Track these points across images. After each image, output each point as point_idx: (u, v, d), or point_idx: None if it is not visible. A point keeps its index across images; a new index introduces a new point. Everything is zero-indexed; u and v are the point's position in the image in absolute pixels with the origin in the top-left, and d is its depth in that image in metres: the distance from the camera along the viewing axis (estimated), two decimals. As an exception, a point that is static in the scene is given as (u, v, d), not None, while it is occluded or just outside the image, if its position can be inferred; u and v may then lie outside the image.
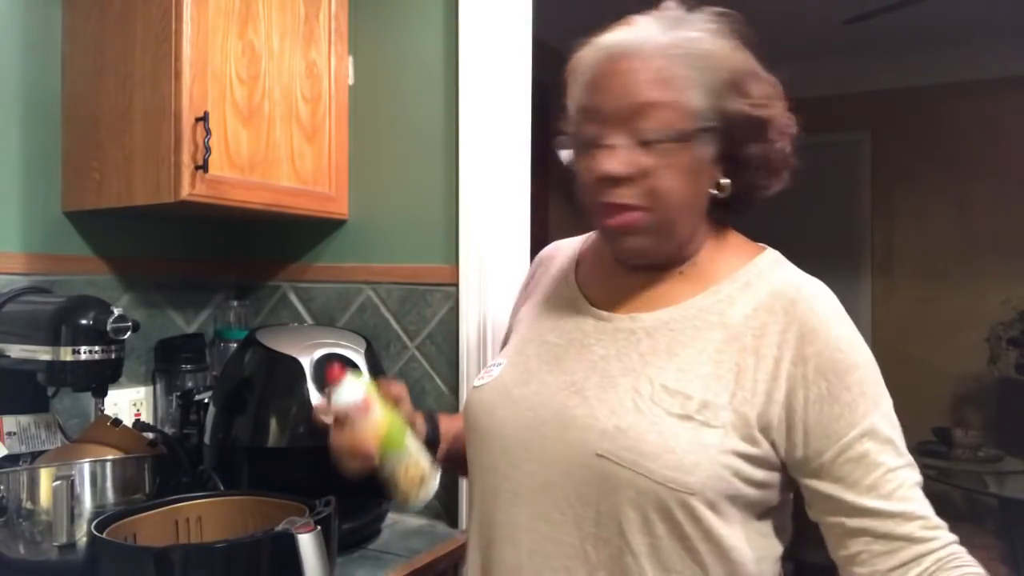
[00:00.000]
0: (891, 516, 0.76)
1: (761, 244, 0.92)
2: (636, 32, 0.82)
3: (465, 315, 1.54)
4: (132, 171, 1.39)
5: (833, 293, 0.85)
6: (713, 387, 0.79)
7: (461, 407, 1.49)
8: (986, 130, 3.74)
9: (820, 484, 0.79)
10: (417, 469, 0.91)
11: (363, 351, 1.36)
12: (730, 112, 0.81)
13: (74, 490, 1.10)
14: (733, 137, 0.82)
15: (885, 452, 0.78)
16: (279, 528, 0.95)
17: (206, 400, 1.43)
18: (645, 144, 0.79)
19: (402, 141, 1.64)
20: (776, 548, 0.85)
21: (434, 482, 0.93)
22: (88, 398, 1.42)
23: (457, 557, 1.37)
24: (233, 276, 1.84)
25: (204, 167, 1.33)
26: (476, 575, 0.91)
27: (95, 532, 0.98)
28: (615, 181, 0.80)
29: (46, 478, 1.10)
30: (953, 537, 0.78)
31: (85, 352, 1.22)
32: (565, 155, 0.86)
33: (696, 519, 0.77)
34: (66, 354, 1.22)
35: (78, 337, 1.22)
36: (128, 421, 1.39)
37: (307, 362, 1.27)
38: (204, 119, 1.33)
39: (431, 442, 1.00)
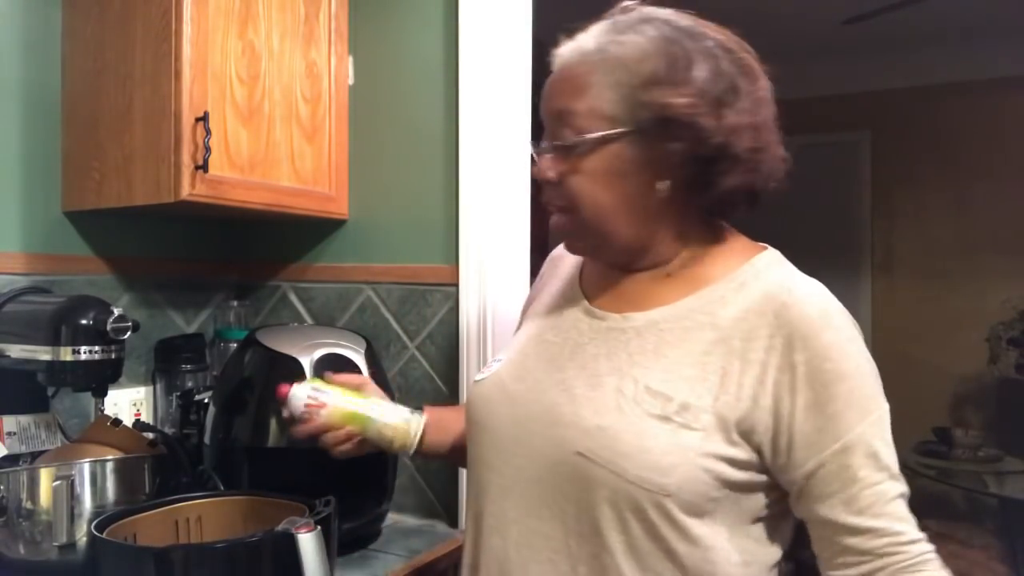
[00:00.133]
0: (861, 532, 0.77)
1: (763, 244, 0.90)
2: (576, 41, 0.84)
3: (465, 315, 1.54)
4: (132, 171, 1.39)
5: (832, 295, 0.83)
6: (696, 389, 0.79)
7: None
8: (986, 130, 3.74)
9: (799, 492, 0.80)
10: (396, 413, 1.01)
11: (363, 351, 1.36)
12: (647, 115, 0.80)
13: (74, 490, 1.10)
14: (659, 138, 0.80)
15: (866, 466, 0.77)
16: (279, 528, 0.95)
17: (206, 400, 1.43)
18: (564, 149, 0.83)
19: (402, 141, 1.64)
20: (769, 554, 0.84)
21: (419, 420, 1.02)
22: (88, 398, 1.42)
23: (457, 557, 1.36)
24: (233, 276, 1.84)
25: (204, 167, 1.33)
26: (467, 564, 0.94)
27: (95, 532, 0.98)
28: (547, 185, 0.86)
29: (46, 478, 1.10)
30: (924, 549, 0.77)
31: (85, 352, 1.22)
32: None
33: (672, 520, 0.77)
34: (66, 354, 1.22)
35: (78, 337, 1.22)
36: (128, 421, 1.39)
37: (307, 362, 1.27)
38: (204, 119, 1.33)
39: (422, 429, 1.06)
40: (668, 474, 0.76)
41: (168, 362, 1.65)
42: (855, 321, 0.83)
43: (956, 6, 3.12)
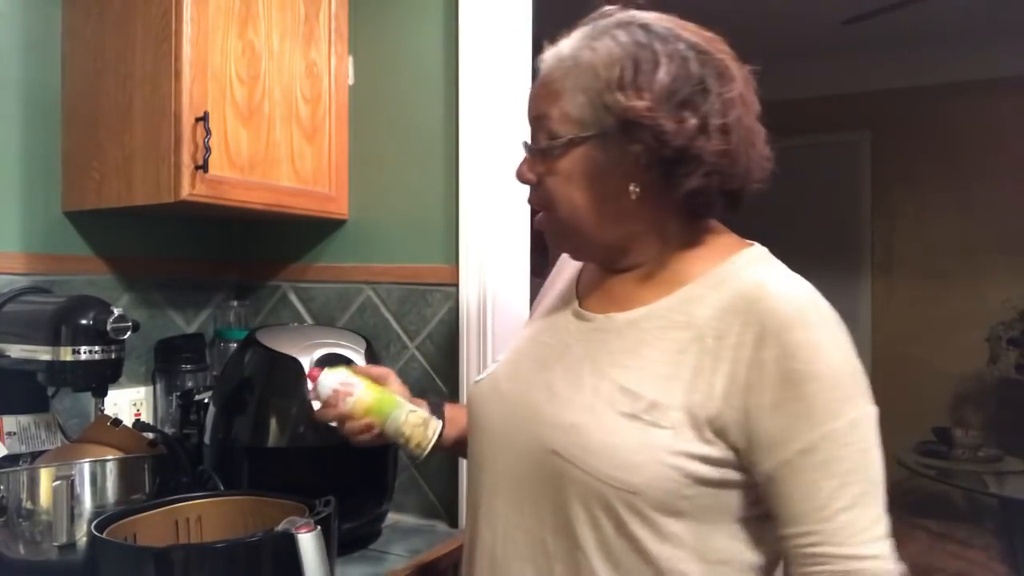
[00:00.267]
0: (800, 536, 0.77)
1: (750, 242, 0.90)
2: (556, 47, 0.87)
3: (465, 315, 1.54)
4: (132, 171, 1.39)
5: (816, 293, 0.81)
6: (668, 388, 0.79)
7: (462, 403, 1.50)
8: (986, 130, 3.74)
9: (763, 491, 0.79)
10: (416, 416, 1.03)
11: (363, 351, 1.36)
12: (611, 118, 0.81)
13: (74, 490, 1.10)
14: (623, 141, 0.81)
15: (817, 472, 0.76)
16: (279, 528, 0.95)
17: (206, 400, 1.43)
18: (540, 152, 0.87)
19: (402, 141, 1.64)
20: (754, 556, 0.83)
21: (436, 424, 1.03)
22: (88, 398, 1.42)
23: (457, 557, 1.37)
24: (233, 276, 1.84)
25: (204, 167, 1.33)
26: (465, 557, 0.97)
27: (95, 532, 0.98)
28: (529, 186, 0.90)
29: (46, 478, 1.10)
30: (859, 568, 0.76)
31: (85, 352, 1.22)
32: None
33: (643, 518, 0.78)
34: (66, 354, 1.22)
35: (78, 337, 1.22)
36: (128, 421, 1.39)
37: (307, 362, 1.27)
38: (204, 119, 1.34)
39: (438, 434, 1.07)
40: (635, 472, 0.77)
41: (168, 362, 1.65)
42: (839, 321, 0.80)
43: (956, 6, 3.12)
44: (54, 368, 1.22)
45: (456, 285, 1.56)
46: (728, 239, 0.89)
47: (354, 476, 1.28)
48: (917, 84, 3.85)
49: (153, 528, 1.06)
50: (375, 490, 1.37)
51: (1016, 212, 3.68)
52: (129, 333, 1.25)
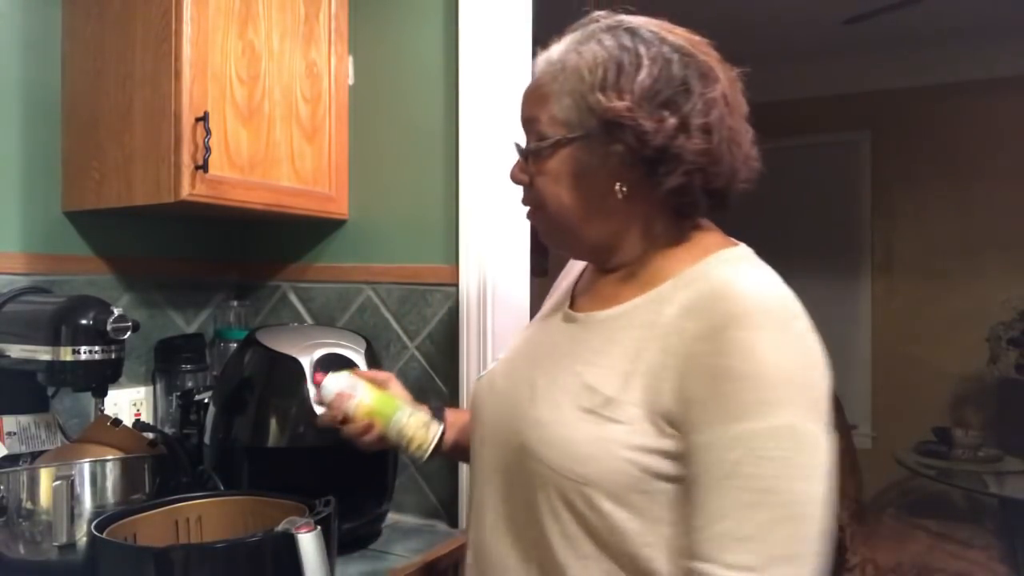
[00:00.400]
0: (675, 523, 0.77)
1: (735, 241, 0.90)
2: (547, 51, 0.90)
3: (465, 315, 1.54)
4: (132, 171, 1.39)
5: (784, 297, 0.79)
6: (627, 383, 0.80)
7: (461, 406, 1.50)
8: (986, 130, 3.74)
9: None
10: (417, 418, 1.05)
11: (363, 351, 1.36)
12: (594, 119, 0.83)
13: (74, 490, 1.10)
14: (606, 141, 0.83)
15: (708, 472, 0.74)
16: (279, 528, 0.95)
17: (206, 400, 1.43)
18: (529, 154, 0.90)
19: (402, 141, 1.64)
20: None
21: (437, 426, 1.06)
22: (88, 398, 1.42)
23: (457, 557, 1.37)
24: (233, 276, 1.84)
25: (204, 167, 1.34)
26: (468, 545, 0.99)
27: (95, 532, 0.98)
28: (522, 186, 0.93)
29: (46, 478, 1.10)
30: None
31: (85, 352, 1.22)
32: None
33: (598, 510, 0.79)
34: (66, 354, 1.22)
35: (78, 337, 1.22)
36: (128, 421, 1.39)
37: (307, 362, 1.27)
38: (204, 119, 1.34)
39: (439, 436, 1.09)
40: (588, 464, 0.79)
41: (168, 362, 1.65)
42: (803, 329, 0.77)
43: (956, 6, 3.12)
44: (54, 368, 1.22)
45: (456, 285, 1.56)
46: (713, 239, 0.89)
47: (354, 476, 1.28)
48: (917, 84, 3.85)
49: (153, 528, 1.06)
50: (375, 490, 1.37)
51: (1016, 212, 3.67)
52: (129, 333, 1.25)
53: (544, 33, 0.95)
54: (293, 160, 1.56)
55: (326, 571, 0.94)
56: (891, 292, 3.97)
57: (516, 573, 0.87)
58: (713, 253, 0.86)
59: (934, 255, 3.86)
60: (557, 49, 0.88)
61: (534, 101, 0.89)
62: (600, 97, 0.82)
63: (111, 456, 1.18)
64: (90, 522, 1.05)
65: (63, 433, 1.39)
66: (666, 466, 0.78)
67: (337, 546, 1.06)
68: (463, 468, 1.53)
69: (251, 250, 1.85)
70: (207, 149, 1.33)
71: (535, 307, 1.32)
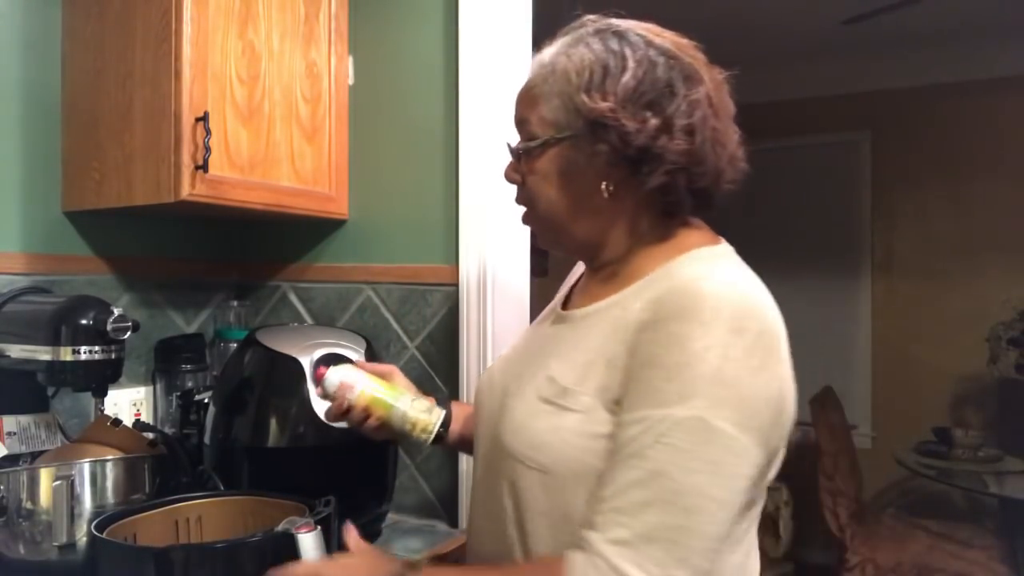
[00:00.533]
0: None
1: (717, 239, 0.92)
2: (540, 54, 0.93)
3: (465, 315, 1.54)
4: (132, 171, 1.39)
5: (746, 297, 0.79)
6: (585, 374, 0.83)
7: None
8: (986, 130, 3.74)
9: None
10: (420, 402, 1.07)
11: (363, 351, 1.36)
12: (580, 120, 0.86)
13: (74, 490, 1.10)
14: (591, 141, 0.85)
15: (620, 446, 0.77)
16: (279, 528, 0.95)
17: (206, 400, 1.44)
18: (521, 154, 0.93)
19: (402, 141, 1.64)
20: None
21: (440, 411, 1.07)
22: (88, 398, 1.42)
23: (457, 557, 1.37)
24: (233, 276, 1.84)
25: (204, 167, 1.34)
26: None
27: (95, 532, 0.98)
28: (516, 186, 0.96)
29: (46, 478, 1.10)
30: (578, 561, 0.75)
31: (85, 352, 1.22)
32: None
33: (559, 495, 0.82)
34: (66, 354, 1.22)
35: (78, 337, 1.22)
36: (128, 421, 1.39)
37: (307, 362, 1.27)
38: (204, 119, 1.34)
39: (444, 421, 1.11)
40: (545, 451, 0.83)
41: (168, 362, 1.65)
42: (761, 333, 0.77)
43: (956, 6, 3.12)
44: (54, 368, 1.22)
45: (456, 285, 1.56)
46: (695, 237, 0.90)
47: (354, 476, 1.28)
48: (917, 84, 3.84)
49: (153, 528, 1.06)
50: (375, 490, 1.37)
51: (1016, 212, 3.67)
52: (129, 333, 1.26)
53: (544, 33, 0.96)
54: (293, 160, 1.56)
55: (326, 571, 0.94)
56: (891, 292, 3.97)
57: (488, 553, 0.92)
58: (689, 251, 0.87)
59: (934, 255, 3.86)
60: (548, 52, 0.91)
61: (526, 102, 0.92)
62: (585, 98, 0.84)
63: (111, 456, 1.18)
64: (90, 522, 1.05)
65: (63, 433, 1.39)
66: None
67: (337, 546, 1.06)
68: (463, 468, 1.53)
69: (251, 250, 1.85)
70: (207, 149, 1.33)
71: (535, 307, 1.33)
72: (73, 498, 1.10)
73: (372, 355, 1.38)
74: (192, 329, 1.75)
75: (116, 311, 1.24)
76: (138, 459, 1.20)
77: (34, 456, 1.29)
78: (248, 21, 1.46)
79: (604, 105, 0.83)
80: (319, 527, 0.95)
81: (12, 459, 1.28)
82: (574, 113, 0.86)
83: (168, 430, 1.53)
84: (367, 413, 1.06)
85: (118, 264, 1.60)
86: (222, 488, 1.26)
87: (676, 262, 0.86)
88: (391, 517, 1.48)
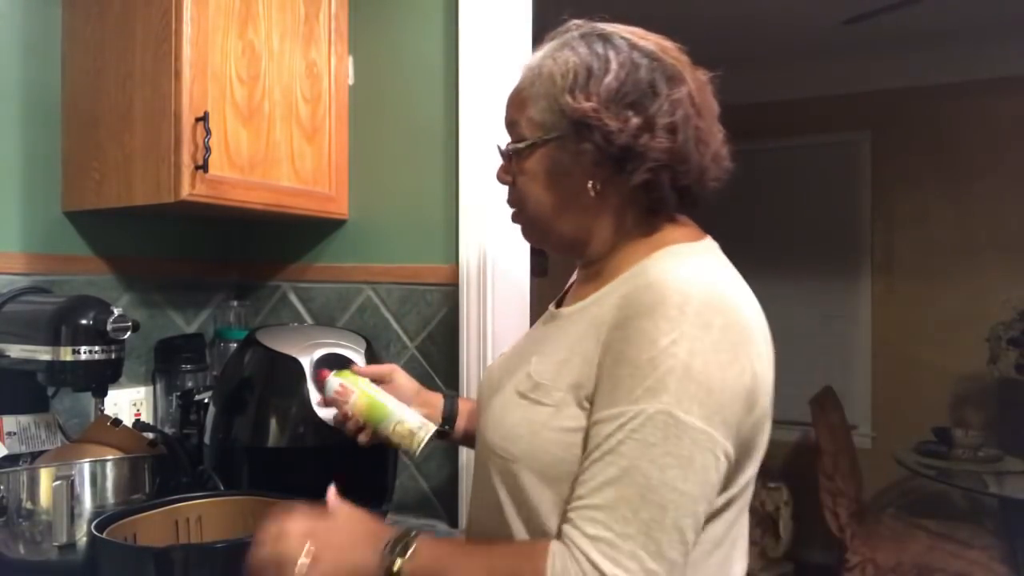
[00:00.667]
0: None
1: (701, 236, 0.93)
2: (530, 58, 0.96)
3: (465, 315, 1.54)
4: (132, 171, 1.39)
5: (713, 293, 0.79)
6: (559, 370, 0.86)
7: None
8: (986, 130, 3.74)
9: None
10: (404, 426, 1.08)
11: (363, 351, 1.36)
12: (566, 120, 0.88)
13: (74, 490, 1.10)
14: (577, 141, 0.88)
15: (594, 444, 0.78)
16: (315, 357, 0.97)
17: (206, 400, 1.44)
18: (511, 155, 0.95)
19: (402, 141, 1.64)
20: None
21: (424, 432, 1.08)
22: (88, 398, 1.42)
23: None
24: (233, 276, 1.84)
25: (204, 167, 1.34)
26: None
27: (95, 532, 0.98)
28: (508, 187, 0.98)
29: (46, 478, 1.10)
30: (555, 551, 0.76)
31: (85, 352, 1.23)
32: None
33: (522, 487, 0.85)
34: (66, 354, 1.22)
35: (78, 337, 1.22)
36: (128, 421, 1.39)
37: (307, 362, 1.27)
38: (204, 119, 1.34)
39: (449, 417, 1.18)
40: (517, 443, 0.86)
41: (168, 362, 1.65)
42: (727, 326, 0.78)
43: (956, 6, 3.12)
44: (54, 368, 1.23)
45: (456, 285, 1.56)
46: (678, 233, 0.92)
47: (354, 476, 1.28)
48: (917, 84, 3.84)
49: (153, 528, 1.06)
50: (375, 490, 1.37)
51: (1016, 212, 3.67)
52: (129, 333, 1.26)
53: (544, 33, 0.97)
54: (293, 160, 1.56)
55: (326, 571, 0.94)
56: (891, 292, 3.97)
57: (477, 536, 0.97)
58: (666, 247, 0.88)
59: (934, 255, 3.86)
60: (537, 56, 0.94)
61: (515, 105, 0.95)
62: (570, 99, 0.87)
63: (111, 456, 1.18)
64: (90, 522, 1.05)
65: (63, 433, 1.39)
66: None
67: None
68: (463, 468, 1.53)
69: (251, 250, 1.85)
70: (207, 149, 1.33)
71: (535, 307, 1.33)
72: (73, 498, 1.10)
73: (372, 355, 1.38)
74: (192, 329, 1.75)
75: (116, 311, 1.24)
76: (138, 459, 1.20)
77: (34, 456, 1.29)
78: (248, 21, 1.46)
79: (587, 105, 0.86)
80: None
81: (12, 459, 1.28)
82: (559, 114, 0.89)
83: (168, 430, 1.53)
84: (360, 425, 1.09)
85: (118, 264, 1.60)
86: (222, 488, 1.26)
87: (651, 259, 0.87)
88: (391, 517, 1.48)
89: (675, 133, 0.86)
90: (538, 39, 0.98)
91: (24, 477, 1.12)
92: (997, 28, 3.42)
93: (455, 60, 1.56)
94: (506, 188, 0.99)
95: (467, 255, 1.54)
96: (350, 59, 1.69)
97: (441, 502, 1.58)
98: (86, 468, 1.13)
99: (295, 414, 1.27)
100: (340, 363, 1.28)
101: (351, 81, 1.69)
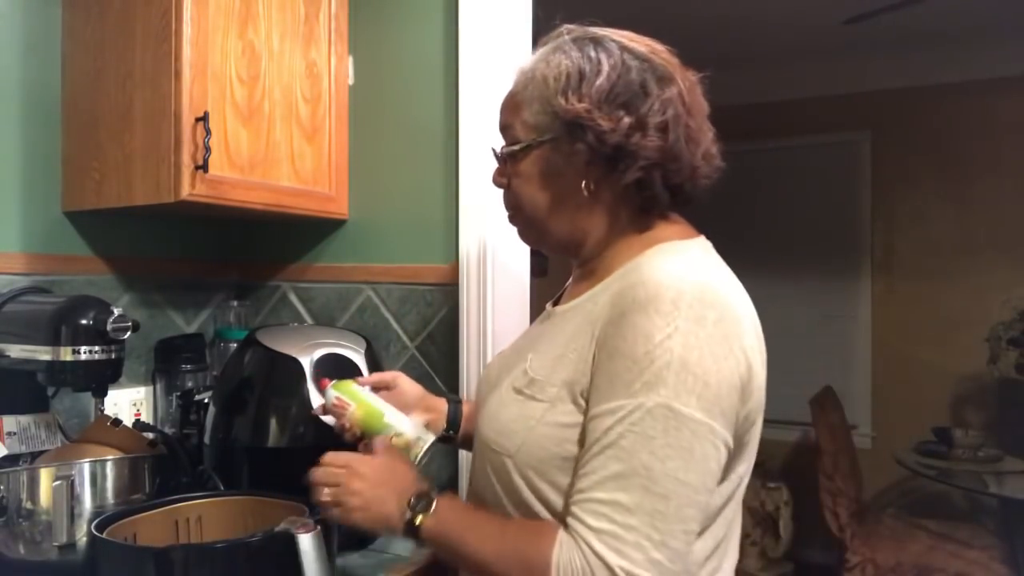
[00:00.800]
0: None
1: (693, 234, 0.94)
2: (524, 62, 0.98)
3: (465, 315, 1.54)
4: (132, 171, 1.39)
5: (704, 289, 0.81)
6: (554, 366, 0.87)
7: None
8: (986, 130, 3.74)
9: None
10: (401, 438, 1.08)
11: (363, 351, 1.36)
12: (559, 121, 0.90)
13: (74, 490, 1.10)
14: (570, 141, 0.89)
15: (593, 439, 0.79)
16: (279, 528, 0.95)
17: (206, 400, 1.43)
18: (505, 158, 0.97)
19: (402, 141, 1.64)
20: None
21: (421, 444, 1.09)
22: (88, 398, 1.43)
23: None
24: (233, 276, 1.84)
25: (204, 167, 1.34)
26: None
27: (95, 532, 0.98)
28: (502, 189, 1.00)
29: (46, 478, 1.10)
30: (562, 537, 0.78)
31: (85, 352, 1.22)
32: None
33: (517, 482, 0.86)
34: (66, 354, 1.22)
35: (78, 337, 1.22)
36: (128, 421, 1.39)
37: (307, 362, 1.27)
38: (204, 119, 1.34)
39: (452, 422, 1.19)
40: (511, 438, 0.88)
41: (168, 362, 1.65)
42: (718, 320, 0.79)
43: (956, 6, 3.12)
44: (54, 368, 1.22)
45: (456, 285, 1.56)
46: (670, 231, 0.93)
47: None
48: (917, 84, 3.84)
49: (153, 528, 1.07)
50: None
51: (1016, 212, 3.67)
52: (129, 333, 1.26)
53: (544, 33, 0.98)
54: (293, 160, 1.56)
55: (326, 571, 0.94)
56: (891, 292, 3.97)
57: None
58: (659, 244, 0.90)
59: (934, 255, 3.86)
60: (529, 60, 0.96)
61: (509, 109, 0.97)
62: (563, 101, 0.89)
63: (111, 456, 1.18)
64: (90, 522, 1.05)
65: (63, 433, 1.39)
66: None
67: (337, 546, 1.06)
68: (462, 467, 1.53)
69: (251, 250, 1.85)
70: (207, 149, 1.33)
71: (535, 307, 1.33)
72: (73, 498, 1.10)
73: (372, 355, 1.38)
74: (192, 329, 1.75)
75: (116, 311, 1.24)
76: (138, 459, 1.20)
77: (34, 456, 1.29)
78: (248, 21, 1.46)
79: (580, 106, 0.87)
80: (319, 527, 0.95)
81: (12, 459, 1.28)
82: (553, 116, 0.90)
83: (168, 430, 1.53)
84: (358, 435, 1.10)
85: (118, 264, 1.60)
86: (222, 488, 1.26)
87: (644, 256, 0.89)
88: (391, 517, 1.48)
89: (666, 132, 0.88)
90: (538, 39, 0.99)
91: (24, 477, 1.12)
92: (997, 28, 3.42)
93: (455, 60, 1.56)
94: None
95: (467, 255, 1.54)
96: (350, 59, 1.69)
97: (441, 502, 1.58)
98: (86, 468, 1.13)
99: (295, 414, 1.27)
100: (343, 367, 1.28)
101: (351, 81, 1.69)
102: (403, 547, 1.39)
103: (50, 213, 1.50)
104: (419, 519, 0.87)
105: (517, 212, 0.99)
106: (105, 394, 1.31)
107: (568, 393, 0.84)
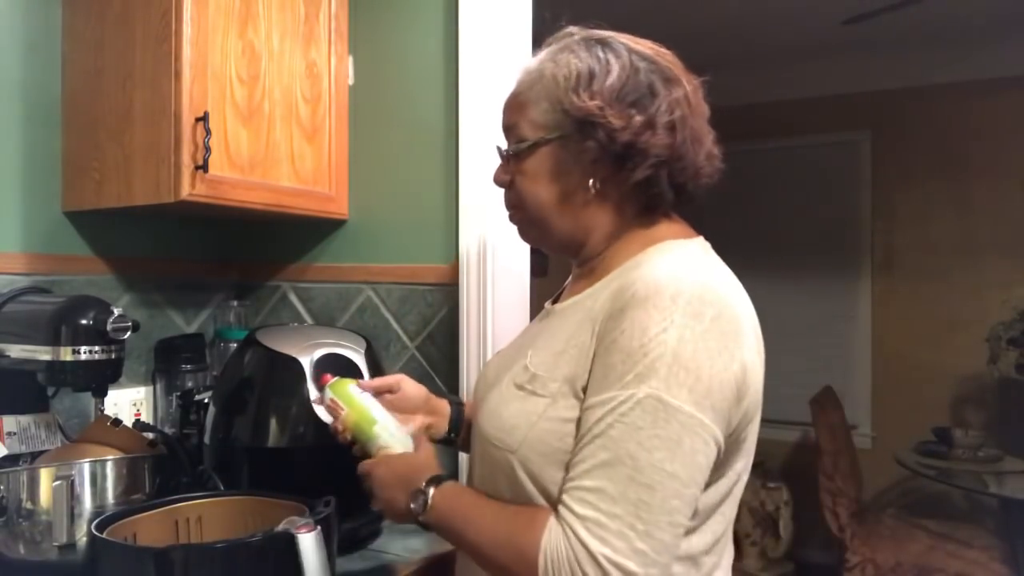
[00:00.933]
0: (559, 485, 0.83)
1: (691, 234, 0.95)
2: (528, 61, 0.99)
3: (465, 315, 1.54)
4: (132, 171, 1.39)
5: (703, 288, 0.81)
6: (555, 362, 0.88)
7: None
8: (986, 130, 3.74)
9: None
10: (398, 442, 1.07)
11: (363, 351, 1.35)
12: (569, 119, 0.91)
13: (74, 490, 1.10)
14: (580, 139, 0.90)
15: (586, 429, 0.80)
16: (279, 528, 0.95)
17: (206, 400, 1.43)
18: (510, 156, 0.98)
19: (402, 141, 1.65)
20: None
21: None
22: (88, 398, 1.43)
23: (456, 556, 1.37)
24: (233, 276, 1.84)
25: (204, 167, 1.34)
26: None
27: (95, 532, 0.97)
28: (504, 188, 1.00)
29: (46, 478, 1.10)
30: (557, 535, 0.78)
31: (85, 352, 1.22)
32: None
33: (523, 476, 0.86)
34: (66, 354, 1.22)
35: (78, 337, 1.22)
36: (128, 421, 1.39)
37: (307, 362, 1.27)
38: (204, 119, 1.34)
39: (455, 424, 1.19)
40: (513, 433, 0.88)
41: (168, 362, 1.65)
42: (715, 317, 0.80)
43: (956, 6, 3.12)
44: (54, 368, 1.22)
45: (456, 285, 1.56)
46: (670, 230, 0.94)
47: (354, 476, 1.28)
48: (917, 84, 3.84)
49: (153, 528, 1.06)
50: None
51: (1016, 212, 3.67)
52: (129, 333, 1.26)
53: (544, 33, 0.98)
54: (293, 160, 1.56)
55: (326, 571, 0.94)
56: (891, 292, 3.97)
57: None
58: (660, 243, 0.91)
59: (934, 255, 3.86)
60: (535, 60, 0.97)
61: (514, 108, 0.98)
62: (574, 98, 0.89)
63: (111, 456, 1.18)
64: (90, 522, 1.05)
65: (63, 433, 1.39)
66: None
67: (337, 546, 1.06)
68: (462, 468, 1.53)
69: (251, 250, 1.85)
70: (207, 149, 1.33)
71: (535, 307, 1.33)
72: (73, 498, 1.10)
73: (372, 355, 1.38)
74: (192, 329, 1.75)
75: (116, 311, 1.24)
76: (138, 459, 1.20)
77: (34, 456, 1.29)
78: (248, 21, 1.46)
79: (592, 104, 0.88)
80: (319, 527, 0.95)
81: (12, 459, 1.28)
82: (562, 114, 0.91)
83: (168, 430, 1.53)
84: (350, 439, 1.10)
85: (118, 264, 1.60)
86: (222, 488, 1.25)
87: (645, 253, 0.90)
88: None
89: (674, 131, 0.89)
90: (538, 39, 1.00)
91: (24, 477, 1.12)
92: (997, 28, 3.42)
93: (455, 60, 1.56)
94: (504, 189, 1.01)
95: (467, 255, 1.54)
96: (350, 59, 1.69)
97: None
98: (86, 468, 1.13)
99: (295, 414, 1.27)
100: (343, 367, 1.28)
101: (351, 81, 1.69)
102: (403, 547, 1.39)
103: (50, 213, 1.50)
104: (421, 516, 0.92)
105: (519, 210, 1.00)
106: (105, 394, 1.31)
107: (569, 388, 0.85)
